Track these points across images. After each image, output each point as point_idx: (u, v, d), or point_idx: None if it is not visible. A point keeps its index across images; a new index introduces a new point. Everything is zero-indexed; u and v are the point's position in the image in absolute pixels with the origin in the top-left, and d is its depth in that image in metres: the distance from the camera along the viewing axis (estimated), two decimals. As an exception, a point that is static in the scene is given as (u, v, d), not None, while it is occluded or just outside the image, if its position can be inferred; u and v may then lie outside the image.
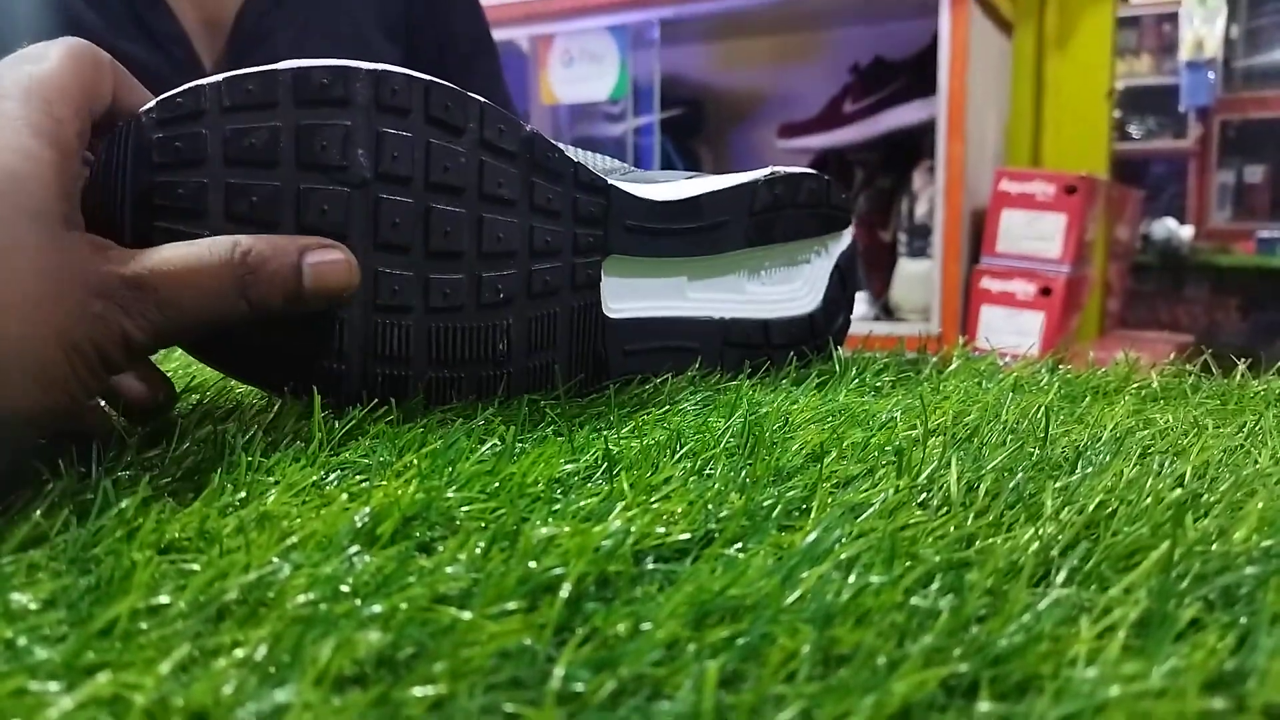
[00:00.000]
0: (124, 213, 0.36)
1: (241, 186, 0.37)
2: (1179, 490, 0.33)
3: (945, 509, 0.31)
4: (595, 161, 0.48)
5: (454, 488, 0.32)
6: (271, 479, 0.32)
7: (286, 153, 0.37)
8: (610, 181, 0.46)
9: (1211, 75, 3.53)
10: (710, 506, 0.31)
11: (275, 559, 0.25)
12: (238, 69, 0.88)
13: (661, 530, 0.28)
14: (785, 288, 0.55)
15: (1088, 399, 0.51)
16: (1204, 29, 3.49)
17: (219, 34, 0.87)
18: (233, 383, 0.45)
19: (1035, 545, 0.27)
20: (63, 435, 0.35)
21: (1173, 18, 3.66)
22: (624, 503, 0.31)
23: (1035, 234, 1.59)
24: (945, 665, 0.21)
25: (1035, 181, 1.61)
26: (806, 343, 0.56)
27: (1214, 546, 0.27)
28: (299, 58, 0.91)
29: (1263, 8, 3.60)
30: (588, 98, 1.90)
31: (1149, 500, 0.31)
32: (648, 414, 0.42)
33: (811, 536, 0.27)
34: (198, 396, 0.44)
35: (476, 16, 1.04)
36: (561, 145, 0.45)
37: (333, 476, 0.33)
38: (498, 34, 1.08)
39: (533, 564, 0.25)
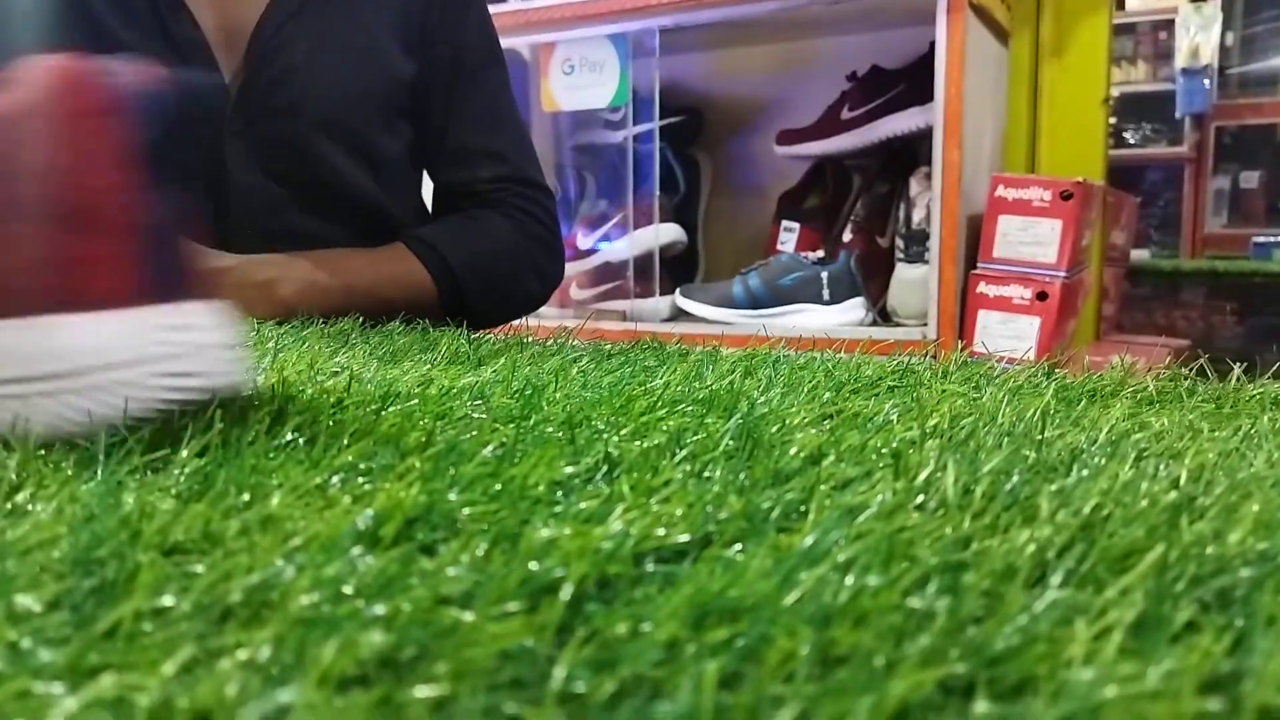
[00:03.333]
0: None
1: None
2: (1175, 493, 0.33)
3: (942, 511, 0.31)
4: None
5: (456, 490, 0.32)
6: (274, 481, 0.33)
7: None
8: None
9: (1207, 82, 3.53)
10: (709, 508, 0.31)
11: (279, 561, 0.25)
12: (255, 78, 0.90)
13: (661, 532, 0.29)
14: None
15: (1083, 402, 0.51)
16: (1200, 36, 3.50)
17: (238, 43, 0.88)
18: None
19: (1031, 547, 0.27)
20: None
21: (1169, 25, 3.67)
22: (624, 505, 0.31)
23: (1031, 239, 1.59)
24: (942, 666, 0.21)
25: (1031, 187, 1.61)
26: None
27: (1209, 549, 0.27)
28: (316, 69, 0.92)
29: (1258, 15, 3.61)
30: (588, 105, 1.90)
31: (1145, 503, 0.31)
32: (647, 417, 0.42)
33: (810, 538, 0.27)
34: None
35: (486, 28, 1.05)
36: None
37: (335, 479, 0.33)
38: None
39: (534, 565, 0.25)
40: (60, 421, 0.36)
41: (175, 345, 0.38)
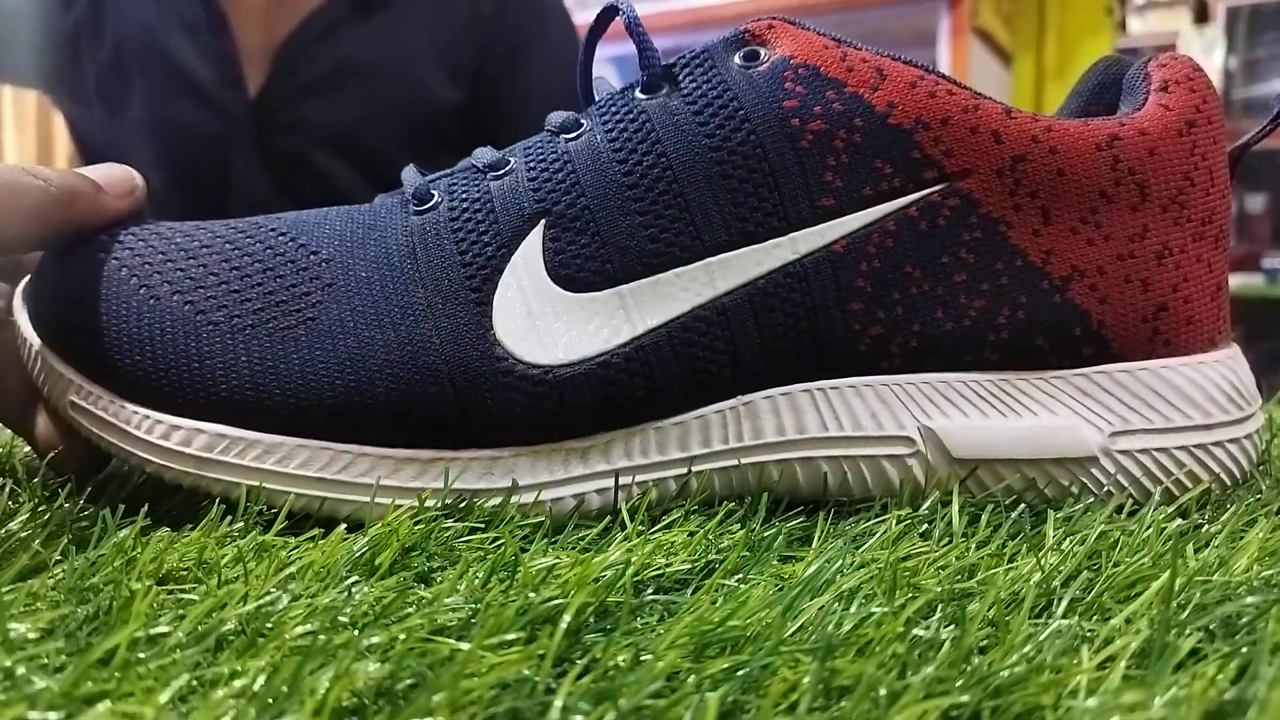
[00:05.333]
0: None
1: None
2: (1180, 520, 0.32)
3: (947, 539, 0.31)
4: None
5: (453, 517, 0.32)
6: (270, 508, 0.32)
7: None
8: None
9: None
10: (711, 537, 0.30)
11: (273, 589, 0.25)
12: (271, 94, 0.89)
13: (662, 561, 0.28)
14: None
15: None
16: (1202, 60, 3.50)
17: (268, 59, 0.89)
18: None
19: (1037, 576, 0.27)
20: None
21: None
22: (624, 533, 0.31)
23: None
24: (946, 696, 0.20)
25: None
26: None
27: (1214, 576, 0.27)
28: (333, 89, 0.91)
29: (1260, 38, 3.61)
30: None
31: (1150, 530, 0.31)
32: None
33: (813, 567, 0.27)
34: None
35: (558, 71, 0.99)
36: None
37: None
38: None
39: (532, 595, 0.25)
40: None
41: None
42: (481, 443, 0.34)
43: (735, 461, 0.36)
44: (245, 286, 0.35)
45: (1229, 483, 0.36)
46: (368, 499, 0.33)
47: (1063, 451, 0.35)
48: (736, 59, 0.36)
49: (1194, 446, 0.35)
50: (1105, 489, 0.35)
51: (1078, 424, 0.35)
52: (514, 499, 0.34)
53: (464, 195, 0.36)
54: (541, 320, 0.34)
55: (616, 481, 0.35)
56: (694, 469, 0.35)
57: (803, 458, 0.36)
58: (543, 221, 0.35)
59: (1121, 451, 0.35)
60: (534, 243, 0.35)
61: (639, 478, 0.35)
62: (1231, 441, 0.36)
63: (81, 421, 0.34)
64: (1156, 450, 0.35)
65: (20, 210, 0.34)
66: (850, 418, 0.35)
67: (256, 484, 0.33)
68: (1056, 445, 0.35)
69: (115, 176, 0.37)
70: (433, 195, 0.37)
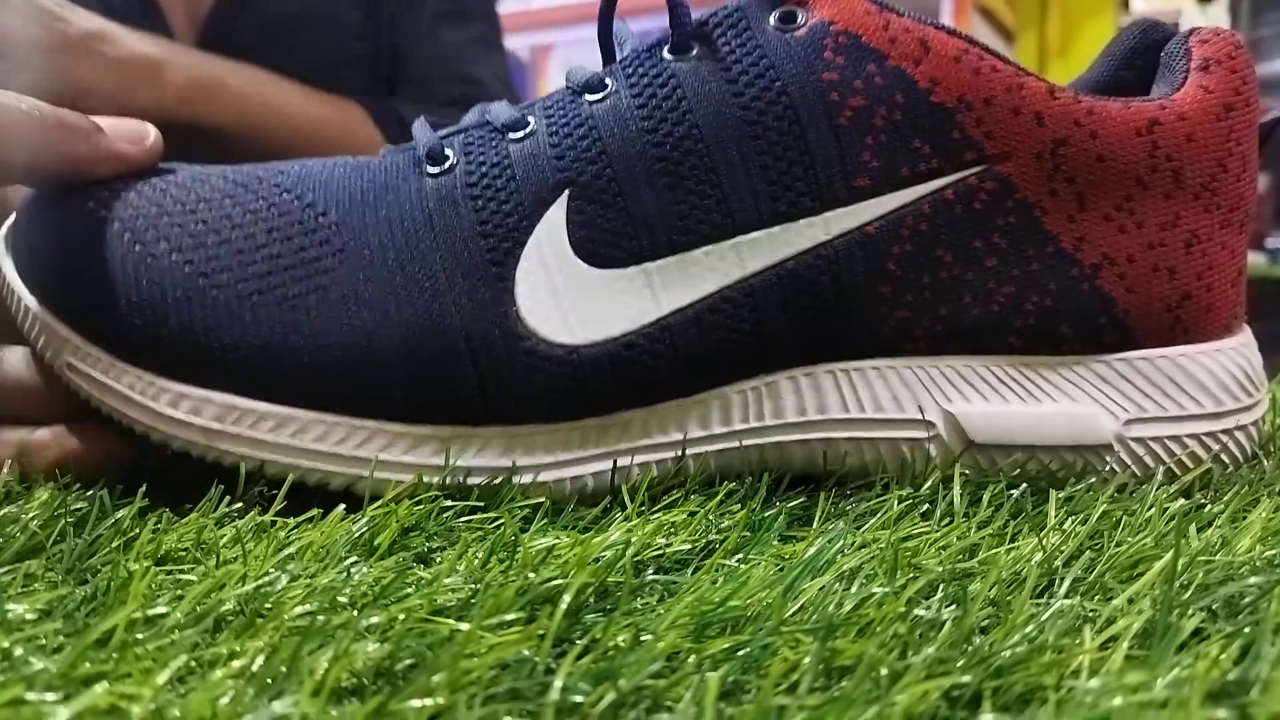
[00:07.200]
0: None
1: None
2: (1182, 500, 0.32)
3: (948, 519, 0.31)
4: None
5: (452, 497, 0.32)
6: (269, 489, 0.32)
7: None
8: None
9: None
10: (711, 517, 0.30)
11: (272, 570, 0.25)
12: None
13: (662, 541, 0.28)
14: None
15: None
16: (1206, 38, 3.48)
17: (195, 34, 0.88)
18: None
19: (1039, 556, 0.27)
20: None
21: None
22: (624, 513, 0.31)
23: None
24: (948, 676, 0.20)
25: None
26: None
27: (1217, 556, 0.27)
28: (265, 52, 0.90)
29: (1265, 17, 3.60)
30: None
31: (1152, 510, 0.31)
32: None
33: (813, 547, 0.27)
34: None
35: None
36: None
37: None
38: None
39: (532, 575, 0.25)
40: None
41: None
42: (501, 419, 0.33)
43: (754, 441, 0.35)
44: (250, 248, 0.33)
45: (1231, 466, 0.36)
46: (385, 475, 0.33)
47: (1079, 439, 0.35)
48: (772, 19, 0.34)
49: (1204, 434, 0.35)
50: (1116, 474, 0.35)
51: (1096, 411, 0.35)
52: (534, 478, 0.33)
53: (481, 158, 0.34)
54: (566, 297, 0.33)
55: (629, 460, 0.34)
56: (713, 448, 0.35)
57: (822, 438, 0.35)
58: (566, 192, 0.33)
59: (1135, 439, 0.35)
60: (557, 215, 0.33)
61: (657, 456, 0.35)
62: (1239, 429, 0.36)
63: (81, 384, 0.33)
64: (1169, 438, 0.35)
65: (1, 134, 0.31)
66: (871, 399, 0.35)
67: (270, 458, 0.32)
68: (1073, 432, 0.35)
69: (122, 124, 0.35)
70: (447, 155, 0.35)
